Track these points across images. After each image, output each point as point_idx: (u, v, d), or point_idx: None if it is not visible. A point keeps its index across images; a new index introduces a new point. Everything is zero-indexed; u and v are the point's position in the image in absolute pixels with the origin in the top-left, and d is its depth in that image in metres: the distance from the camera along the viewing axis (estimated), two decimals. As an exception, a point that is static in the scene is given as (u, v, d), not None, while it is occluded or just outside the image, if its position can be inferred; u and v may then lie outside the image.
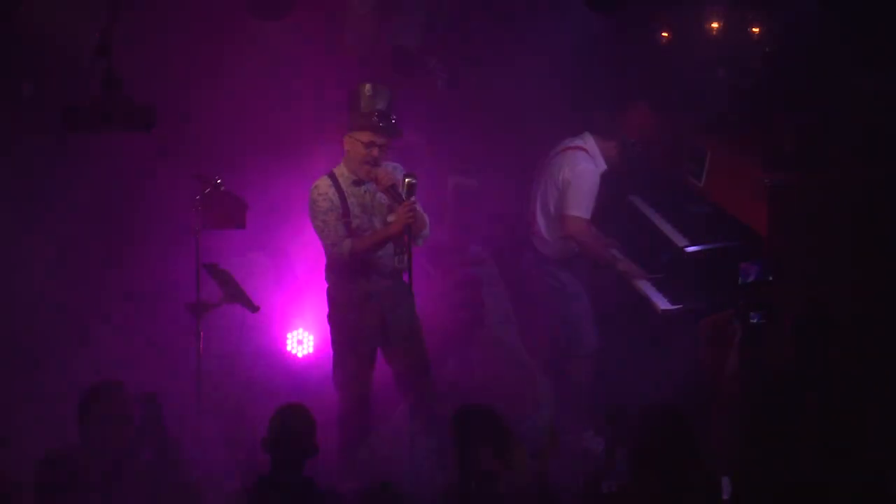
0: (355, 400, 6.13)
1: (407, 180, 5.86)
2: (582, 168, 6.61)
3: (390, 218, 5.92)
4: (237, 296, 6.36)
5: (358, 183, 5.95)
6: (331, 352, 6.35)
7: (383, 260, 5.98)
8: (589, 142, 6.73)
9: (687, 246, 6.35)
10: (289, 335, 7.53)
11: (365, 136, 5.86)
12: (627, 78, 6.90)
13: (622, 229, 6.83)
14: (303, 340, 7.55)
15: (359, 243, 5.88)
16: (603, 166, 6.68)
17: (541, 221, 6.70)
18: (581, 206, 6.61)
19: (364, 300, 5.99)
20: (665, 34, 6.99)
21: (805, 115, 6.06)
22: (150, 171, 6.85)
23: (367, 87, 5.90)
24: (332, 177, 5.98)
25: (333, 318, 6.14)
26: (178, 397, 5.64)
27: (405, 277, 5.91)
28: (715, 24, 6.71)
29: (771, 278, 5.14)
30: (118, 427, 4.69)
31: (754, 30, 6.50)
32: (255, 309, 6.42)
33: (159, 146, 6.51)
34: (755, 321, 5.08)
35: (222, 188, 6.37)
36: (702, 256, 6.28)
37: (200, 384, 6.16)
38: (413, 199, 5.81)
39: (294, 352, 7.52)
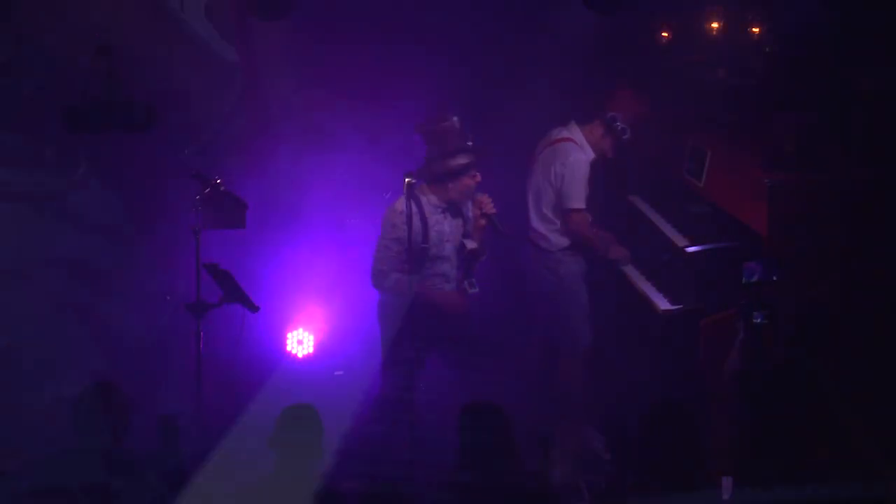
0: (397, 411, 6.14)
1: (407, 180, 5.85)
2: (573, 159, 6.59)
3: (470, 244, 5.99)
4: (237, 296, 6.36)
5: (441, 210, 6.01)
6: (331, 352, 6.37)
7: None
8: (575, 132, 6.69)
9: (687, 246, 6.35)
10: (289, 335, 7.54)
11: (474, 171, 6.01)
12: (617, 67, 6.90)
13: (622, 229, 6.83)
14: (303, 340, 7.56)
15: (396, 287, 5.94)
16: (591, 154, 6.65)
17: (536, 216, 6.69)
18: (578, 197, 6.59)
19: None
20: (665, 34, 7.01)
21: (805, 115, 6.07)
22: (151, 171, 6.89)
23: (456, 119, 6.00)
24: (418, 202, 5.96)
25: (384, 327, 6.16)
26: (177, 397, 5.65)
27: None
28: (715, 24, 6.73)
29: (772, 278, 5.14)
30: (111, 428, 4.70)
31: (754, 30, 6.51)
32: (255, 309, 6.42)
33: (160, 146, 6.54)
34: (758, 321, 5.08)
35: (222, 188, 6.38)
36: (702, 256, 6.28)
37: (200, 384, 6.17)
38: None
39: (294, 352, 7.53)
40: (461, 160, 5.90)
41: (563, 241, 6.81)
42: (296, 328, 7.42)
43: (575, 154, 6.70)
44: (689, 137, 6.85)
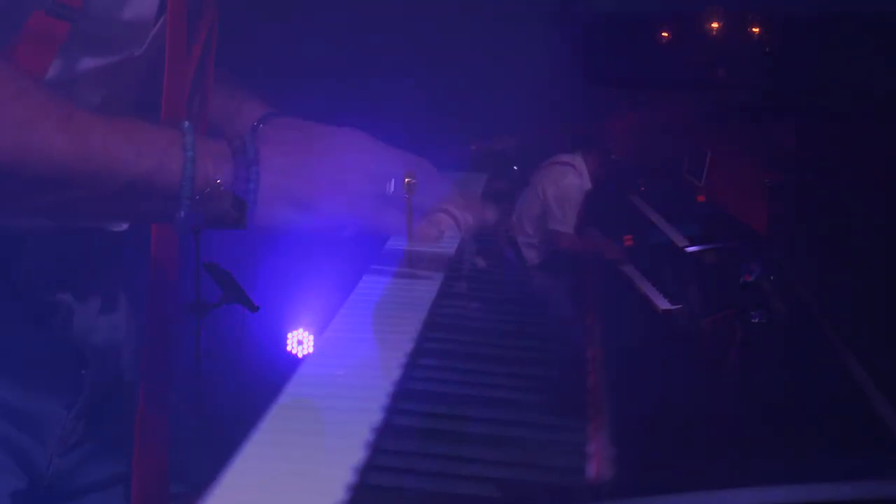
0: None
1: (407, 180, 5.85)
2: (567, 183, 6.59)
3: None
4: (237, 296, 6.35)
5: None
6: (332, 353, 6.35)
7: None
8: (577, 159, 6.74)
9: (687, 246, 6.36)
10: (289, 335, 7.54)
11: None
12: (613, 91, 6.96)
13: (622, 229, 6.84)
14: (303, 340, 7.57)
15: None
16: (588, 185, 6.69)
17: (516, 227, 6.73)
18: (567, 221, 6.63)
19: None
20: (665, 34, 7.02)
21: (805, 115, 6.08)
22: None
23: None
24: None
25: None
26: (177, 398, 5.64)
27: None
28: (715, 25, 6.74)
29: (772, 278, 5.16)
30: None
31: (754, 30, 6.52)
32: (255, 309, 6.39)
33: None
34: (756, 321, 5.09)
35: (222, 188, 6.37)
36: (702, 256, 6.29)
37: (200, 384, 6.17)
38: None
39: (294, 352, 7.53)
40: None
41: (534, 258, 6.87)
42: (296, 328, 7.45)
43: (570, 178, 6.61)
44: (689, 137, 6.88)
